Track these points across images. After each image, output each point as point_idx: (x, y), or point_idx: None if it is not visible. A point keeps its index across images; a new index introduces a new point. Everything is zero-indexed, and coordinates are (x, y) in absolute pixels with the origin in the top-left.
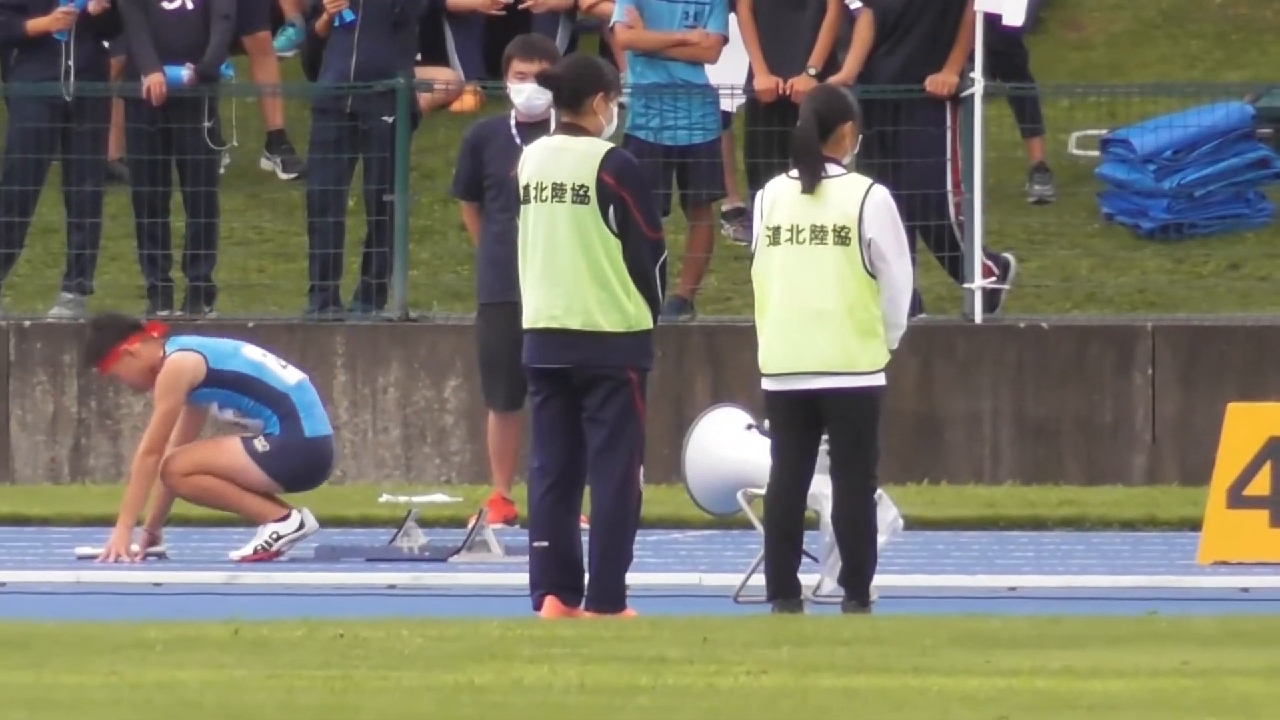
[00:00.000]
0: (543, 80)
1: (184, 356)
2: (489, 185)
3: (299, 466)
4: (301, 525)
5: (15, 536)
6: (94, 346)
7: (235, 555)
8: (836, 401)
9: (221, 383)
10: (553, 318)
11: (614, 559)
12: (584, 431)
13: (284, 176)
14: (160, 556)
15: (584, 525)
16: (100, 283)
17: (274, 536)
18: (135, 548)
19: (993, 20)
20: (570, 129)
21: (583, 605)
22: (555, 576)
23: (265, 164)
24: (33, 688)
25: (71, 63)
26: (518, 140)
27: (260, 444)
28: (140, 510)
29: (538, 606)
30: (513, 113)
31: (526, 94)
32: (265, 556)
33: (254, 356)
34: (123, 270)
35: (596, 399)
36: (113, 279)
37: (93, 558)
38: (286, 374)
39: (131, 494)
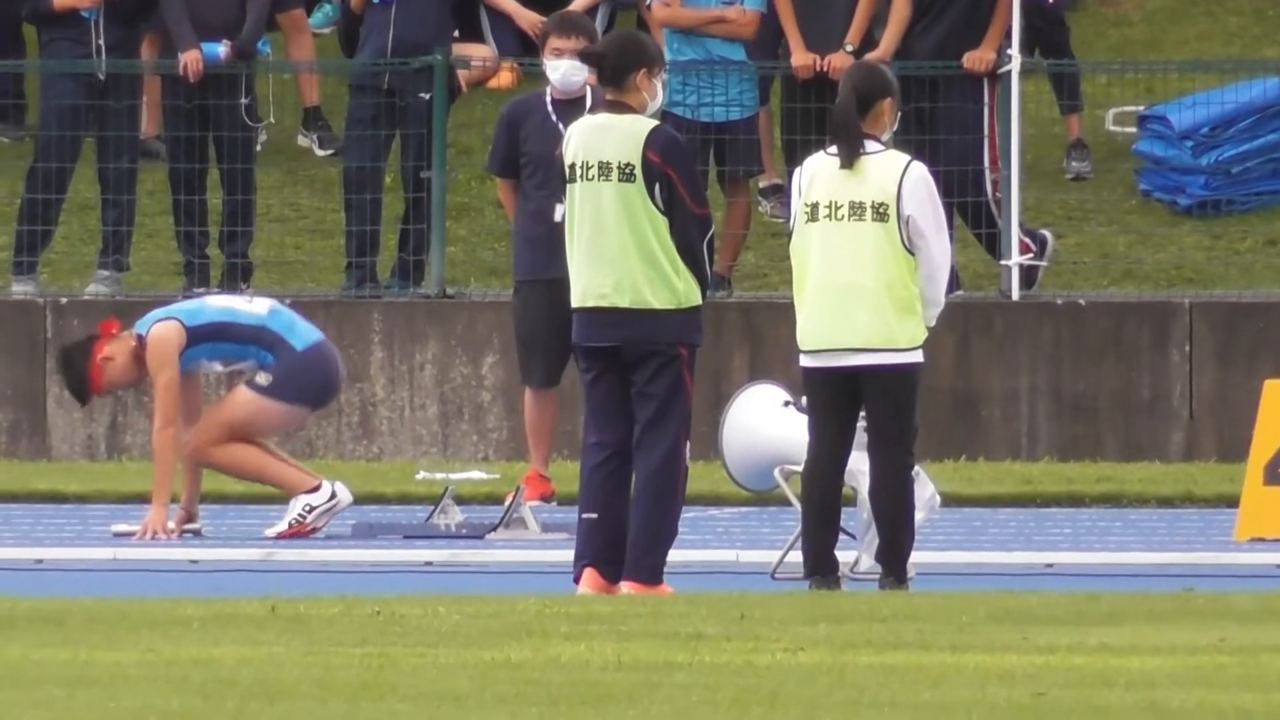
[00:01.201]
0: (586, 56)
1: (163, 326)
2: (525, 162)
3: (308, 381)
4: (333, 496)
5: (52, 514)
6: (75, 379)
7: (271, 532)
8: (875, 378)
9: (202, 337)
10: (602, 296)
11: (655, 531)
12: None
13: (321, 153)
14: (196, 534)
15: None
16: (137, 259)
17: (306, 509)
18: (171, 525)
19: None
20: (614, 106)
21: (624, 573)
22: (599, 550)
23: (302, 141)
24: (69, 664)
25: (102, 41)
26: (554, 117)
27: (263, 378)
28: (171, 485)
29: (578, 578)
30: (548, 90)
31: (563, 71)
32: (300, 530)
33: (220, 304)
34: (159, 247)
35: (646, 374)
36: (149, 256)
37: (129, 535)
38: (255, 306)
39: (159, 470)
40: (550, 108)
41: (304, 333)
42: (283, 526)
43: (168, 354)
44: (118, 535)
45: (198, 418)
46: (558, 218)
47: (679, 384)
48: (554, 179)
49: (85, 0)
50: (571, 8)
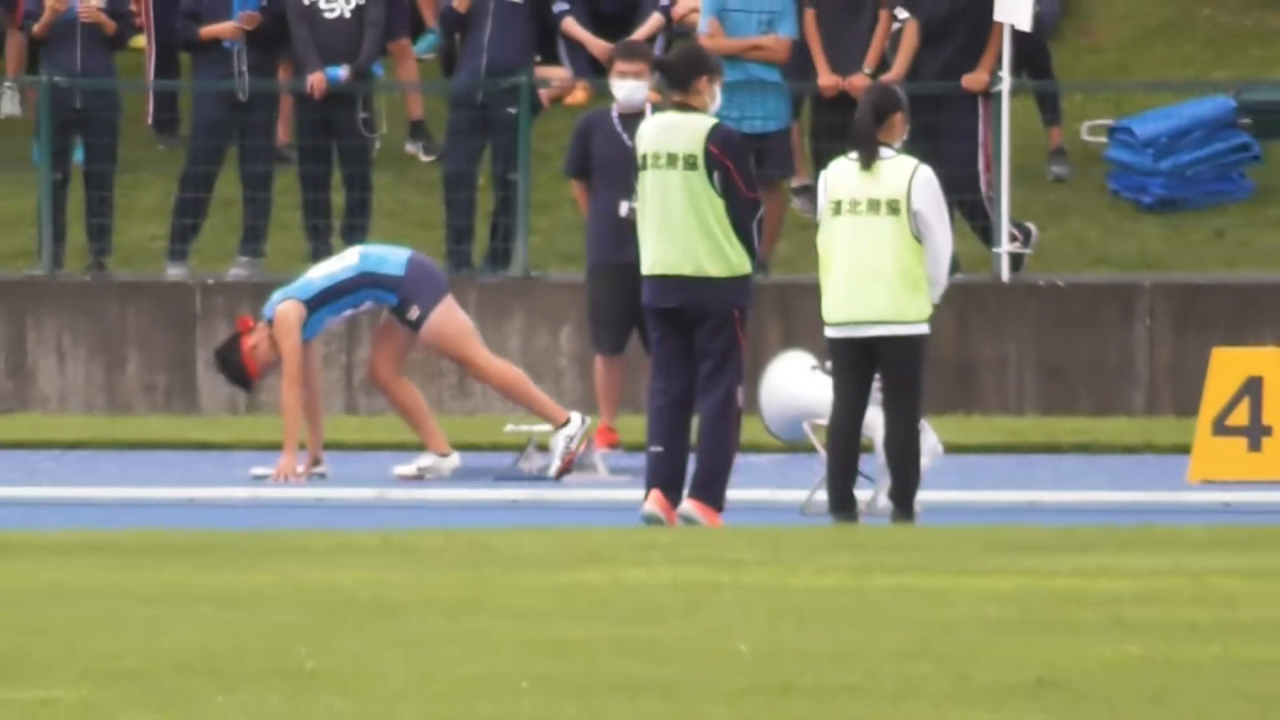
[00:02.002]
0: (659, 64)
1: (284, 306)
2: (595, 166)
3: (429, 283)
4: (583, 422)
5: (201, 460)
6: (235, 374)
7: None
8: (889, 346)
9: (318, 304)
10: (669, 265)
11: (717, 459)
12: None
13: (425, 159)
14: (322, 476)
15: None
16: (271, 248)
17: (569, 441)
18: (300, 469)
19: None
20: (681, 106)
21: (687, 493)
22: (664, 477)
23: (409, 148)
24: (216, 586)
25: (244, 67)
26: (619, 129)
27: (413, 313)
28: (298, 435)
29: (646, 498)
30: (615, 105)
31: (627, 89)
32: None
33: (321, 273)
34: (290, 238)
35: (706, 332)
36: (282, 245)
37: (265, 477)
38: (347, 260)
39: (287, 423)
40: (616, 121)
41: (395, 257)
42: (558, 463)
43: (290, 327)
44: (256, 477)
45: (316, 381)
46: (623, 213)
47: (733, 340)
48: (619, 180)
49: (228, 32)
50: (634, 36)
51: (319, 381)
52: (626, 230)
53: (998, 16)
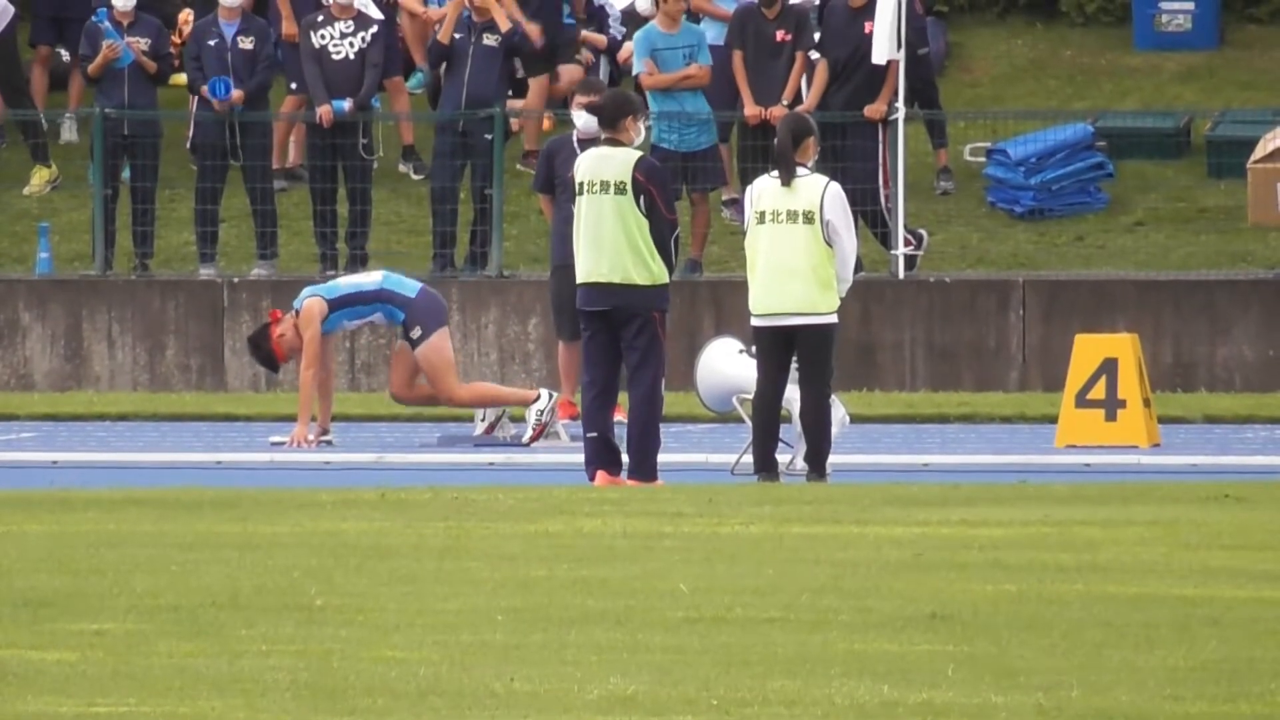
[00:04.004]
0: (589, 108)
1: (310, 302)
2: (558, 183)
3: (432, 310)
4: (551, 396)
5: (227, 429)
6: (264, 358)
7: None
8: (804, 333)
9: (338, 305)
10: (601, 275)
11: (646, 442)
12: (622, 355)
13: (415, 177)
14: (329, 443)
15: (619, 418)
16: (286, 251)
17: (538, 414)
18: (311, 437)
19: (904, 64)
20: (611, 141)
21: (625, 475)
22: (603, 457)
23: (402, 168)
24: (239, 535)
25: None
26: (578, 151)
27: (415, 333)
28: (311, 408)
29: (592, 478)
30: (575, 132)
31: (584, 118)
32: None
33: (347, 280)
34: (303, 243)
35: (632, 331)
36: (296, 249)
37: (282, 444)
38: (372, 276)
39: (302, 398)
40: (576, 144)
41: (409, 285)
42: (530, 432)
43: (312, 319)
44: (274, 444)
45: (331, 365)
46: None
47: (655, 338)
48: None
49: (110, 55)
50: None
51: (334, 365)
52: None
53: (875, 59)
